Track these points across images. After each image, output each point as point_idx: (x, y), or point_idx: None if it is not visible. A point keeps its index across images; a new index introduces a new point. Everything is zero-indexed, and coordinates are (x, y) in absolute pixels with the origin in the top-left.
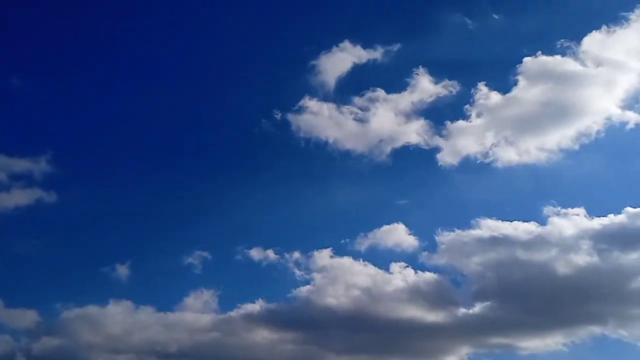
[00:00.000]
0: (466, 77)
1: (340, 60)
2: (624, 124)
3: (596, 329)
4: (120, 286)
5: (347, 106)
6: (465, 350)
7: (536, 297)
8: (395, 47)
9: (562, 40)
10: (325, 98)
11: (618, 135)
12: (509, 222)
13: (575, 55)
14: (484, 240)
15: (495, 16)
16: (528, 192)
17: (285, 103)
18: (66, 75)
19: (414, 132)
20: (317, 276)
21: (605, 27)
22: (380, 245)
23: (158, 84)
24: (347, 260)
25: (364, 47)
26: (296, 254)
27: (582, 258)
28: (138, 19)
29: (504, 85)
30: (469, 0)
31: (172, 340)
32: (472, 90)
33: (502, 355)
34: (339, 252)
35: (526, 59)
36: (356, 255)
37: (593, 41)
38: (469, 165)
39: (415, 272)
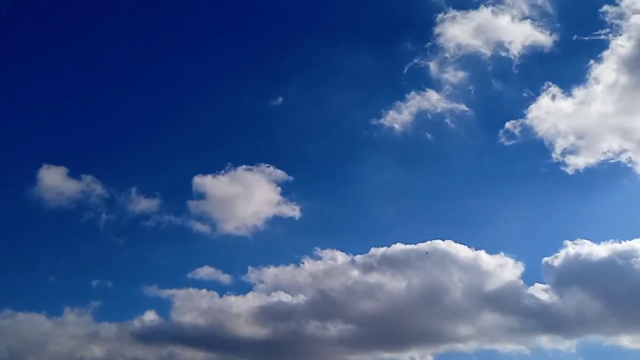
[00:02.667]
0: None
1: None
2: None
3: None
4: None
5: None
6: None
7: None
8: None
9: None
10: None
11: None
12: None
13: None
14: (303, 273)
15: None
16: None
17: None
18: None
19: None
20: (173, 301)
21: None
22: (205, 279)
23: None
24: (190, 290)
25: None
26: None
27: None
28: None
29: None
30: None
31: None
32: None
33: None
34: (175, 285)
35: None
36: (194, 286)
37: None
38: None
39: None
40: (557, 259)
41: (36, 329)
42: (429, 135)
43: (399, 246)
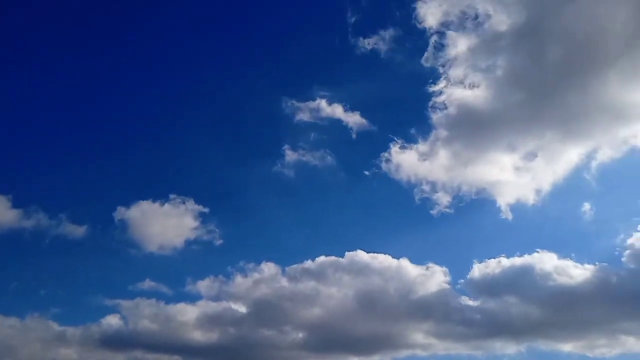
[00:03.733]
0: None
1: None
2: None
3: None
4: None
5: None
6: None
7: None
8: None
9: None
10: None
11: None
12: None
13: None
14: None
15: None
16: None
17: None
18: None
19: None
20: (126, 309)
21: None
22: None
23: None
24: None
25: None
26: None
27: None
28: None
29: None
30: None
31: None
32: None
33: None
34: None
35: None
36: (142, 296)
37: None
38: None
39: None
40: (475, 274)
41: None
42: (310, 178)
43: (322, 259)
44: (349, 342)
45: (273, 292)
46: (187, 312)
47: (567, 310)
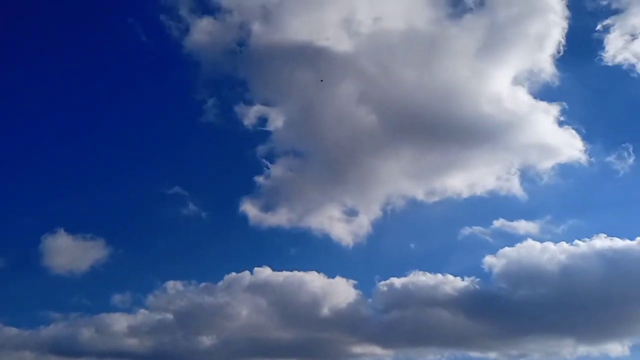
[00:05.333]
0: None
1: None
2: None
3: None
4: None
5: None
6: None
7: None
8: None
9: None
10: None
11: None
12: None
13: None
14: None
15: None
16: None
17: None
18: None
19: None
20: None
21: None
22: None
23: None
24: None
25: None
26: None
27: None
28: None
29: None
30: None
31: None
32: None
33: None
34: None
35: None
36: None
37: None
38: None
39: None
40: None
41: None
42: (186, 227)
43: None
44: (284, 347)
45: (198, 305)
46: (121, 322)
47: (474, 321)
